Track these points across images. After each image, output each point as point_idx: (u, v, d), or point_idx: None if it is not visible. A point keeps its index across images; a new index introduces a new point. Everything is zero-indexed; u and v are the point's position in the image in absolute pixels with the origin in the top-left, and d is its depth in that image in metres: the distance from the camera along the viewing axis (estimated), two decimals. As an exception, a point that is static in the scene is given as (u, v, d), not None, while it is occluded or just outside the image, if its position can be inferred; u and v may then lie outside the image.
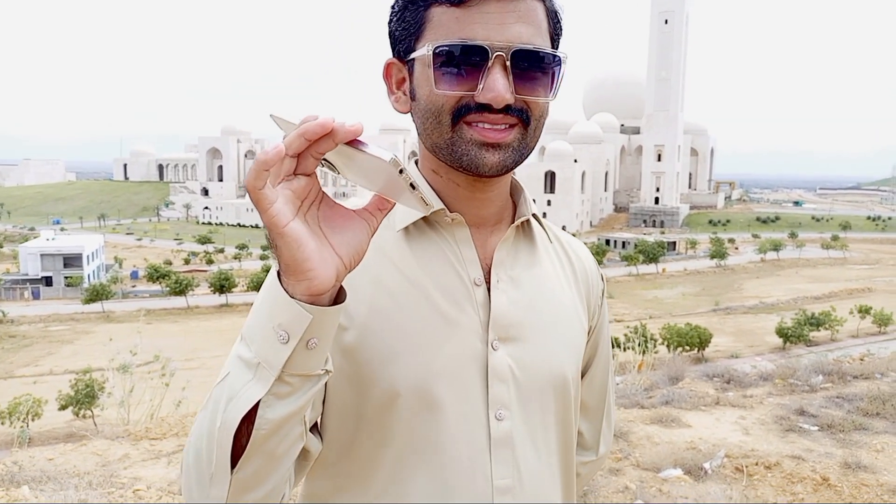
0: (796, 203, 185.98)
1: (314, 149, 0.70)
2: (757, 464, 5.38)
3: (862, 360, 10.74)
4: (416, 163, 1.11)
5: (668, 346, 29.85)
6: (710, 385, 8.52)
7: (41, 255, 64.98)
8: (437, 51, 0.92)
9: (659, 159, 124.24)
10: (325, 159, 0.74)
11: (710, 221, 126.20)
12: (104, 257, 75.93)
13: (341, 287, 0.80)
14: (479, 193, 1.05)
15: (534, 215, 1.13)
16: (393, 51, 1.03)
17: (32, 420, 15.12)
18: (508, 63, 0.91)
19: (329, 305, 0.78)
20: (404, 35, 0.99)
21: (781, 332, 35.62)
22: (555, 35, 1.00)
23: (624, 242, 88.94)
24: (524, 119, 0.95)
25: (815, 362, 9.45)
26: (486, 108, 0.92)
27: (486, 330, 1.02)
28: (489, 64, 0.91)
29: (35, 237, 79.45)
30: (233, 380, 0.80)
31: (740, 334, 40.01)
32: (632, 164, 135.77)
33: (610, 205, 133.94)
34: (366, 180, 0.76)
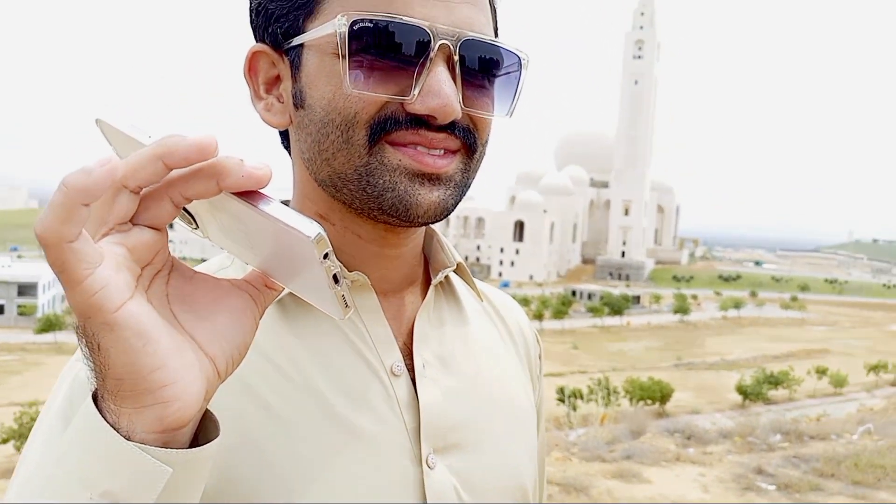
0: (757, 263, 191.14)
1: (179, 188, 0.44)
2: (715, 522, 5.36)
3: (818, 419, 10.90)
4: (285, 203, 0.79)
5: (630, 400, 29.92)
6: (671, 440, 8.54)
7: (-5, 282, 63.07)
8: (354, 28, 0.62)
9: (626, 214, 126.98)
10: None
11: (675, 277, 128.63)
12: (61, 287, 74.09)
13: (206, 411, 0.51)
14: (391, 249, 0.75)
15: (458, 265, 0.83)
16: (261, 34, 0.71)
17: (-28, 454, 14.44)
18: (457, 58, 0.65)
19: (190, 445, 0.49)
20: (286, 7, 0.68)
21: (741, 390, 36.02)
22: (496, 30, 0.74)
23: (590, 294, 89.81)
24: (469, 143, 0.69)
25: (774, 421, 9.56)
26: (421, 122, 0.65)
27: (415, 442, 0.71)
28: (431, 56, 0.63)
29: (-10, 263, 77.25)
30: None
31: (701, 390, 40.35)
32: (600, 217, 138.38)
33: (577, 256, 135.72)
34: (250, 252, 0.51)
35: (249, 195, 0.45)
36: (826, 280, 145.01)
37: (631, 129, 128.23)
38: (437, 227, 0.83)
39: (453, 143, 0.67)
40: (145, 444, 0.45)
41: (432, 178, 0.66)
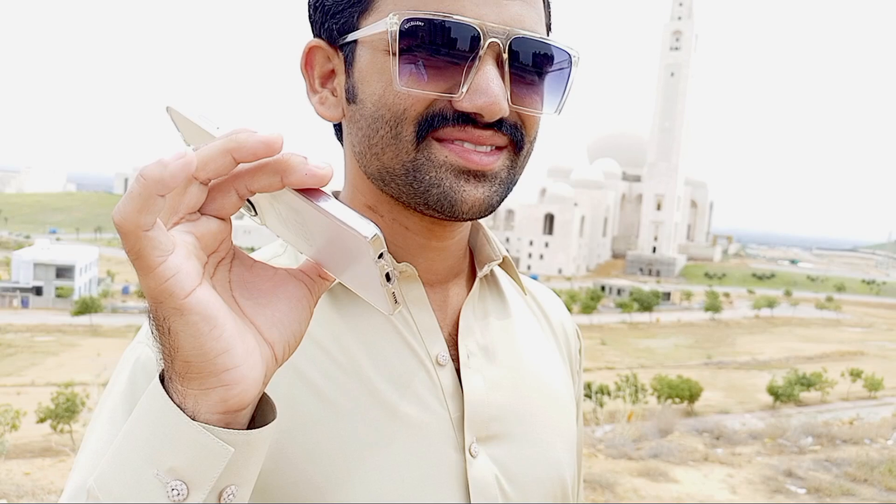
0: (793, 261, 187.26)
1: (245, 181, 0.46)
2: (743, 524, 5.29)
3: (851, 423, 10.67)
4: (335, 195, 0.80)
5: (658, 398, 29.63)
6: (700, 440, 8.44)
7: (34, 264, 64.70)
8: (405, 27, 0.63)
9: (658, 208, 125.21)
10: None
11: (706, 274, 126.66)
12: (97, 270, 75.66)
13: (263, 394, 0.53)
14: (438, 241, 0.76)
15: (504, 259, 0.85)
16: (318, 30, 0.74)
17: (10, 432, 14.88)
18: (506, 56, 0.65)
19: (250, 427, 0.51)
20: (342, 4, 0.70)
21: (772, 391, 35.45)
22: (549, 27, 0.74)
23: (619, 289, 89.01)
24: (517, 140, 0.70)
25: (805, 423, 9.38)
26: (468, 119, 0.66)
27: (459, 430, 0.73)
28: (479, 54, 0.64)
29: (30, 245, 79.28)
30: None
31: (731, 390, 39.80)
32: (631, 211, 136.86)
33: (607, 250, 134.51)
34: (306, 244, 0.52)
35: (309, 191, 0.47)
36: (863, 280, 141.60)
37: (665, 122, 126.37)
38: (486, 227, 0.87)
39: (500, 139, 0.68)
40: (209, 424, 0.47)
41: (478, 175, 0.67)
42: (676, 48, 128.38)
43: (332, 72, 0.73)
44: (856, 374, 39.72)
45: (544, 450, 0.80)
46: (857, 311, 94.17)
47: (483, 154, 0.67)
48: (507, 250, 0.85)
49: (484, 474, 0.73)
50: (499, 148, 0.68)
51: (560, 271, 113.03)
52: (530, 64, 0.67)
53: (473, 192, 0.67)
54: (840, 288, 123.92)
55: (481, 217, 0.70)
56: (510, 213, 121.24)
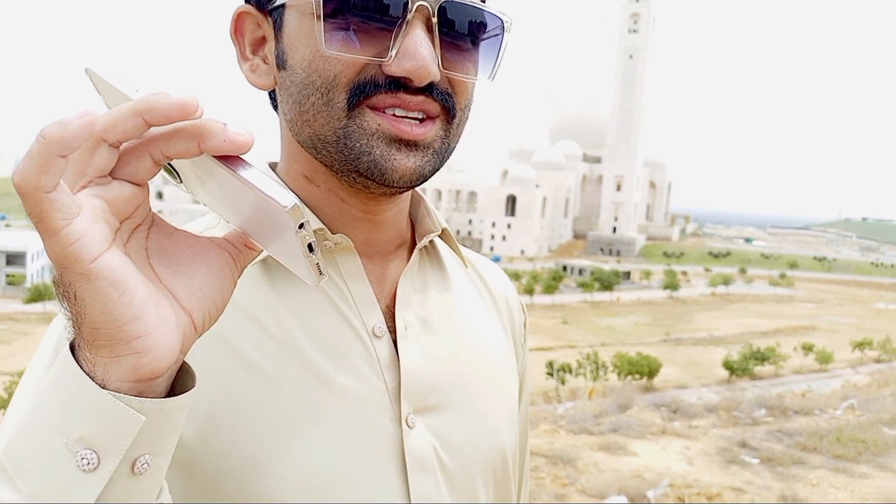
0: (747, 240, 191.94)
1: (160, 145, 0.44)
2: (699, 494, 5.47)
3: (803, 395, 11.06)
4: (272, 166, 0.80)
5: (618, 374, 30.22)
6: (658, 414, 8.64)
7: (-17, 251, 62.63)
8: None
9: (618, 189, 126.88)
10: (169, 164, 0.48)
11: (665, 253, 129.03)
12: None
13: (184, 363, 0.52)
14: (374, 214, 0.75)
15: (443, 231, 0.84)
16: None
17: (-39, 422, 14.49)
18: (435, 20, 0.64)
19: (167, 395, 0.49)
20: None
21: (728, 365, 36.44)
22: None
23: (581, 269, 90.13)
24: (449, 107, 0.68)
25: (759, 396, 9.69)
26: (399, 85, 0.64)
27: (396, 401, 0.72)
28: (408, 18, 0.63)
29: (-22, 232, 76.64)
30: None
31: (689, 365, 40.80)
32: (592, 192, 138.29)
33: (569, 231, 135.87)
34: (231, 213, 0.51)
35: (230, 159, 0.46)
36: (815, 258, 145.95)
37: (625, 104, 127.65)
38: (428, 199, 0.85)
39: (432, 106, 0.67)
40: (120, 392, 0.45)
41: (409, 145, 0.66)
42: (635, 31, 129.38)
43: (263, 38, 0.72)
44: (808, 348, 41.08)
45: (483, 420, 0.79)
46: (808, 288, 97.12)
47: (415, 125, 0.66)
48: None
49: (421, 445, 0.72)
50: (431, 118, 0.67)
51: (522, 252, 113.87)
52: (461, 29, 0.66)
53: (405, 161, 0.66)
54: (793, 265, 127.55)
55: (413, 187, 0.69)
56: (472, 194, 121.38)
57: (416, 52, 0.62)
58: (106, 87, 0.47)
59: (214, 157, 0.45)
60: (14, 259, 63.35)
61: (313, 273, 0.48)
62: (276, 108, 0.76)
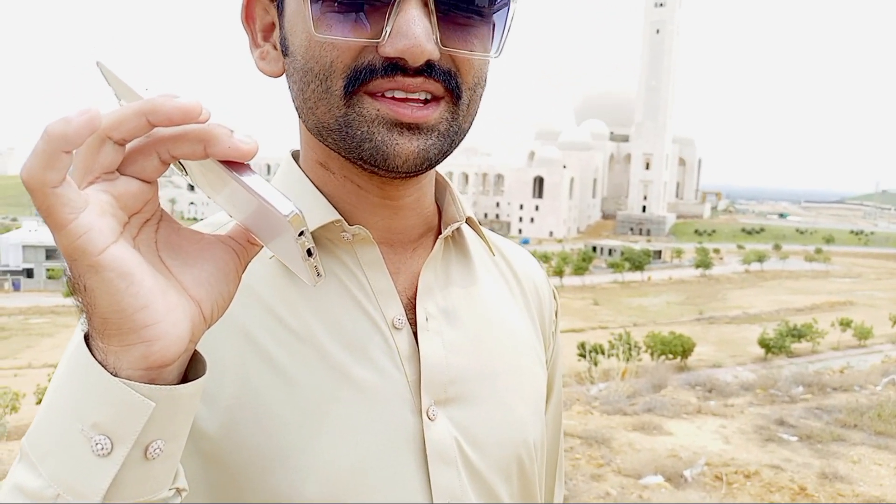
0: (781, 215, 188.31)
1: (168, 146, 0.46)
2: (736, 472, 5.44)
3: (842, 372, 10.87)
4: (295, 156, 0.78)
5: (651, 354, 30.03)
6: (693, 393, 8.58)
7: (23, 247, 64.28)
8: None
9: (647, 167, 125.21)
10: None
11: (696, 231, 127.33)
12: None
13: (195, 352, 0.53)
14: (392, 199, 0.73)
15: (468, 219, 0.81)
16: None
17: (10, 414, 14.97)
18: None
19: (179, 382, 0.51)
20: None
21: (764, 343, 35.96)
22: None
23: (610, 250, 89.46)
24: (453, 87, 0.65)
25: (796, 373, 9.56)
26: (396, 67, 0.61)
27: (416, 393, 0.71)
28: None
29: (17, 228, 78.60)
30: None
31: (723, 344, 40.36)
32: (620, 171, 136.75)
33: (597, 211, 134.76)
34: (234, 209, 0.52)
35: (235, 165, 0.47)
36: (851, 231, 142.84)
37: (652, 80, 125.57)
38: (454, 183, 0.83)
39: (434, 87, 0.63)
40: (131, 380, 0.47)
41: (411, 128, 0.63)
42: (661, 4, 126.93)
43: (273, 24, 0.70)
44: (846, 324, 40.33)
45: (506, 412, 0.77)
46: (845, 262, 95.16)
47: (416, 107, 0.63)
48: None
49: (443, 437, 0.71)
50: (436, 99, 0.64)
51: (551, 234, 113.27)
52: (462, 3, 0.62)
53: (407, 145, 0.63)
54: (829, 240, 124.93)
55: (420, 171, 0.67)
56: (499, 177, 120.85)
57: (408, 29, 0.59)
58: (115, 80, 0.50)
59: (220, 161, 0.47)
60: (53, 253, 64.97)
61: (311, 275, 0.50)
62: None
